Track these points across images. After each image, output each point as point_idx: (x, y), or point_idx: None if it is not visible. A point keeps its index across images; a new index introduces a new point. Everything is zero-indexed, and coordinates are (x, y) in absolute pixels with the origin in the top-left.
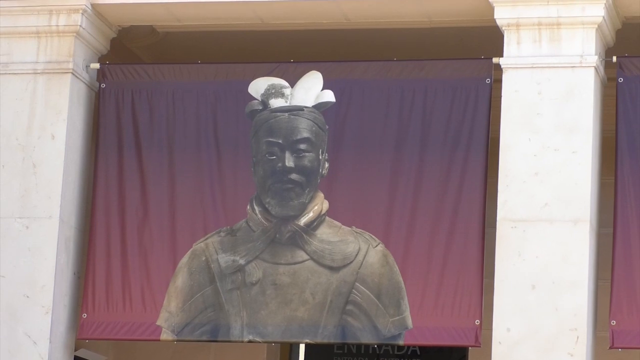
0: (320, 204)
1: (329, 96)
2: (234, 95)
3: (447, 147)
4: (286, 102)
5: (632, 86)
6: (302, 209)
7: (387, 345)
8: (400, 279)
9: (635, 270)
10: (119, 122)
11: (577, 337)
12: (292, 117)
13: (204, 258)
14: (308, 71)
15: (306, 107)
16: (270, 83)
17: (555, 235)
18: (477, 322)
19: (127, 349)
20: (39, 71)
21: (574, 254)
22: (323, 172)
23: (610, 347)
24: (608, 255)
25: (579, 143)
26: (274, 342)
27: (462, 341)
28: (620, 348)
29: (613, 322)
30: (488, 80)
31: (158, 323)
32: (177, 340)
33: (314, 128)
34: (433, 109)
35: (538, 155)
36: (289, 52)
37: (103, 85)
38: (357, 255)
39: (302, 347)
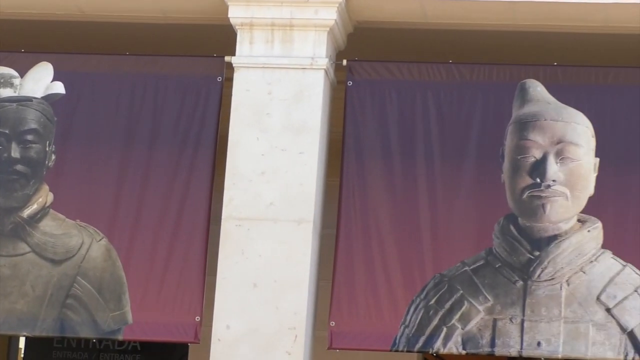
0: (44, 196)
1: (59, 88)
2: None
3: (177, 144)
4: (15, 92)
5: (361, 90)
6: (26, 201)
7: (107, 340)
8: (123, 273)
9: (356, 273)
10: None
11: (296, 336)
12: (20, 107)
13: None
14: (39, 62)
15: (35, 97)
16: None
17: (279, 235)
18: (197, 318)
19: None
20: None
21: (296, 253)
22: (49, 164)
23: (329, 348)
24: (332, 256)
25: (306, 144)
26: None
27: (182, 337)
28: (338, 349)
29: (332, 323)
30: (219, 79)
31: None
32: None
33: (42, 119)
34: (164, 105)
35: (266, 155)
36: (21, 41)
37: None
38: (80, 249)
39: (22, 340)
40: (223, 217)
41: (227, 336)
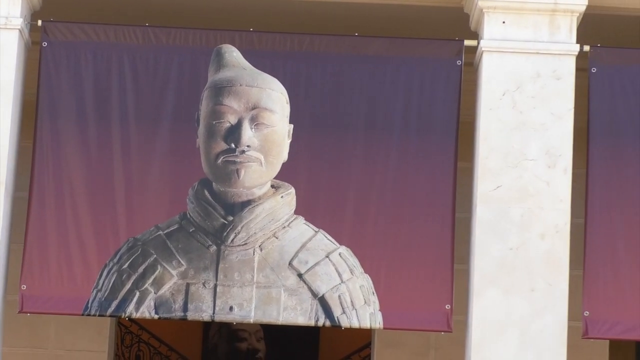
0: None
1: None
2: None
3: None
4: None
5: (56, 51)
6: None
7: None
8: None
9: (49, 236)
10: None
11: None
12: None
13: None
14: None
15: None
16: None
17: None
18: None
19: None
20: None
21: None
22: None
23: (20, 312)
24: (24, 219)
25: None
26: None
27: None
28: (29, 313)
29: (23, 287)
30: None
31: None
32: None
33: None
34: None
35: None
36: None
37: None
38: None
39: None
40: None
41: None
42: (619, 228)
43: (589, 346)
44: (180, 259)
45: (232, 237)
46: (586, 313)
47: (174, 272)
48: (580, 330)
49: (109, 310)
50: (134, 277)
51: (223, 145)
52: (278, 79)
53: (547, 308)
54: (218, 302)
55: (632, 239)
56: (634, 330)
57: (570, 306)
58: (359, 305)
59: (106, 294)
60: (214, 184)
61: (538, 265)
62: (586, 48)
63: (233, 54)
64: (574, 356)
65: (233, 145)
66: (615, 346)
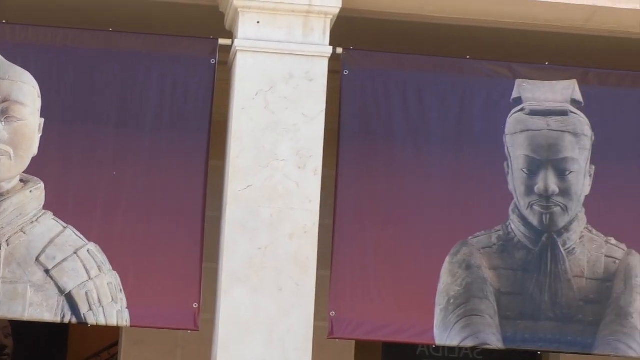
0: None
1: None
2: None
3: None
4: None
5: None
6: None
7: None
8: None
9: None
10: None
11: None
12: None
13: None
14: None
15: None
16: None
17: None
18: None
19: None
20: None
21: None
22: None
23: None
24: None
25: None
26: None
27: None
28: None
29: None
30: None
31: None
32: None
33: None
34: None
35: None
36: None
37: None
38: None
39: None
40: None
41: None
42: (367, 230)
43: (335, 346)
44: None
45: None
46: (332, 313)
47: None
48: (327, 330)
49: None
50: None
51: None
52: (30, 72)
53: (294, 307)
54: None
55: (380, 242)
56: (379, 331)
57: (317, 306)
58: (107, 302)
59: None
60: None
61: (286, 265)
62: (339, 50)
63: None
64: (320, 356)
65: None
66: (362, 347)
